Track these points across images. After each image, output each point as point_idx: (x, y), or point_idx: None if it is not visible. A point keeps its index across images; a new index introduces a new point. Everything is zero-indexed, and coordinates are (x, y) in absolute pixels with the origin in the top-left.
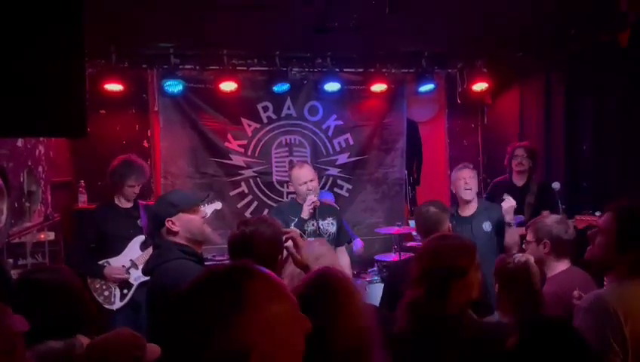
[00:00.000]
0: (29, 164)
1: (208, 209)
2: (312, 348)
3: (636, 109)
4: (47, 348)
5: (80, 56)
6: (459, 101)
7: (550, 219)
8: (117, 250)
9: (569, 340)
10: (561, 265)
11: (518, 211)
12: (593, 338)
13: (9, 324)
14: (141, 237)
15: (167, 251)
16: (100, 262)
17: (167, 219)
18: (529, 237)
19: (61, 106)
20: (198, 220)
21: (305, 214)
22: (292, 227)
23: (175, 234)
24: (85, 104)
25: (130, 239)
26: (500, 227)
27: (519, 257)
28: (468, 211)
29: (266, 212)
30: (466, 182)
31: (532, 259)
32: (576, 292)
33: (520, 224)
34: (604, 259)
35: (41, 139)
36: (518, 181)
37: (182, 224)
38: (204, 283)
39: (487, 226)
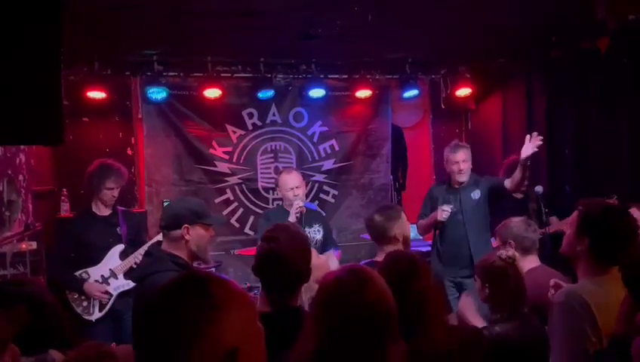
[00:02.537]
0: (9, 172)
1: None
2: None
3: (616, 114)
4: None
5: (56, 65)
6: (443, 106)
7: (512, 222)
8: (96, 260)
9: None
10: (529, 263)
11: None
12: (569, 331)
13: None
14: (120, 246)
15: (159, 261)
16: (79, 272)
17: (186, 225)
18: (495, 244)
19: (38, 114)
20: (208, 238)
21: (292, 218)
22: None
23: (185, 241)
24: (62, 112)
25: (109, 248)
26: (488, 195)
27: (503, 253)
28: (467, 182)
29: (251, 219)
30: (460, 168)
31: (516, 254)
32: (552, 281)
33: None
34: (569, 250)
35: (22, 147)
36: (517, 194)
37: (194, 235)
38: (179, 286)
39: (475, 194)
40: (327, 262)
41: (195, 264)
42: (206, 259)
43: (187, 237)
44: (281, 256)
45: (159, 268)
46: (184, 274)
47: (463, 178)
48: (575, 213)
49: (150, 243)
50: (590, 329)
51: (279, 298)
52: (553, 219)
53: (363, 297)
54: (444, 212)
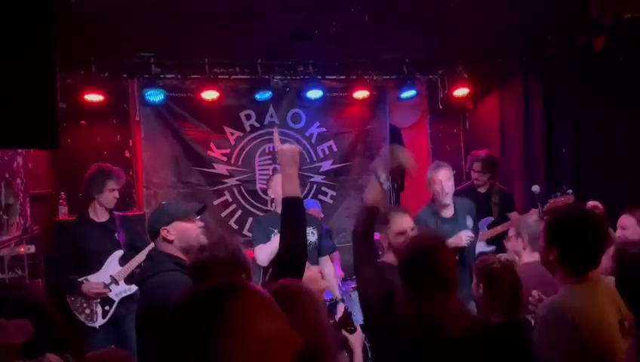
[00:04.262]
0: (7, 176)
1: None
2: None
3: (613, 112)
4: None
5: (51, 67)
6: (440, 106)
7: (531, 218)
8: (95, 267)
9: None
10: (533, 257)
11: (485, 213)
12: (553, 343)
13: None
14: (120, 252)
15: (159, 263)
16: (80, 280)
17: (163, 227)
18: (511, 232)
19: (33, 117)
20: (195, 229)
21: None
22: (272, 238)
23: (170, 243)
24: (57, 115)
25: (108, 254)
26: (475, 218)
27: (505, 256)
28: (449, 211)
29: (250, 220)
30: (442, 187)
31: (517, 260)
32: (535, 293)
33: (491, 224)
34: (542, 260)
35: (20, 150)
36: (481, 188)
37: (177, 233)
38: (189, 303)
39: (469, 222)
40: (318, 274)
41: None
42: None
43: (170, 237)
44: (201, 265)
45: (160, 268)
46: (203, 285)
47: (448, 200)
48: (543, 223)
49: (150, 246)
50: (570, 341)
51: None
52: (513, 214)
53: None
54: (466, 238)
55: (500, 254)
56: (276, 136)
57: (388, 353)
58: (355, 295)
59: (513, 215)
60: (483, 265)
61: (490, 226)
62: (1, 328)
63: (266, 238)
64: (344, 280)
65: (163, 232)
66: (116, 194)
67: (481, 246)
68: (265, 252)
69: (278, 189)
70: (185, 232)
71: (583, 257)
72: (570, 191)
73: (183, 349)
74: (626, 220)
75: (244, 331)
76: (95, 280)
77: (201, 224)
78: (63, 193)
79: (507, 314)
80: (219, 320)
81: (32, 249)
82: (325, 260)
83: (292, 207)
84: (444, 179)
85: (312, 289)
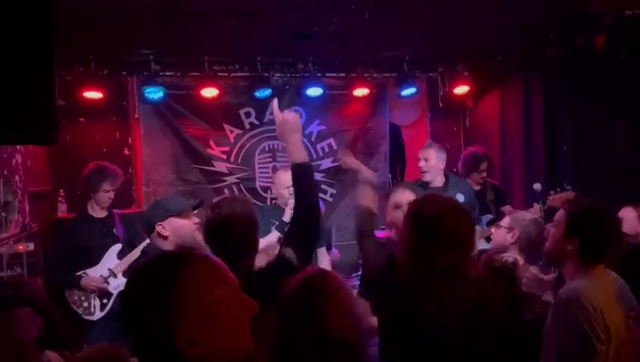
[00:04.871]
0: (5, 173)
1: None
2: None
3: (613, 110)
4: None
5: (49, 62)
6: (441, 104)
7: (528, 217)
8: (94, 261)
9: None
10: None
11: (482, 211)
12: (578, 331)
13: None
14: (118, 246)
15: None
16: (78, 274)
17: (158, 223)
18: (504, 222)
19: (30, 113)
20: (190, 226)
21: (287, 218)
22: (273, 230)
23: (165, 238)
24: (56, 111)
25: (106, 249)
26: (470, 201)
27: (507, 257)
28: (438, 183)
29: None
30: (420, 165)
31: (520, 262)
32: (533, 268)
33: (490, 222)
34: (556, 249)
35: (18, 148)
36: (474, 186)
37: (172, 229)
38: (142, 272)
39: (460, 198)
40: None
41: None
42: (201, 247)
43: (165, 233)
44: (224, 222)
45: None
46: (158, 255)
47: (426, 177)
48: (561, 213)
49: (145, 243)
50: (598, 327)
51: (231, 263)
52: (507, 208)
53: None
54: None
55: (504, 254)
56: (275, 106)
57: (392, 332)
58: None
59: (507, 208)
60: (486, 261)
61: (490, 224)
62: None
63: (265, 229)
64: (344, 277)
65: (158, 228)
66: (111, 195)
67: (480, 245)
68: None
69: (280, 187)
70: (180, 228)
71: (603, 250)
72: (569, 187)
73: (138, 316)
74: (626, 212)
75: (194, 297)
76: (93, 274)
77: (197, 220)
78: (62, 191)
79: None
80: (170, 287)
81: (31, 246)
82: (322, 252)
83: (301, 172)
84: (422, 157)
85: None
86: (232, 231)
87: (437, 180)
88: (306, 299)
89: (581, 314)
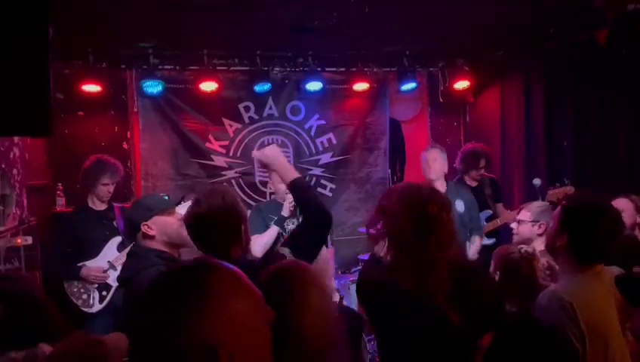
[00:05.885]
0: (3, 166)
1: (183, 208)
2: (277, 346)
3: (614, 106)
4: (8, 359)
5: (44, 54)
6: (441, 99)
7: (539, 204)
8: (94, 253)
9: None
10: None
11: (481, 206)
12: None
13: None
14: (118, 238)
15: (143, 258)
16: (78, 265)
17: (143, 223)
18: (524, 217)
19: (25, 105)
20: (175, 222)
21: (286, 212)
22: (272, 225)
23: (152, 238)
24: (50, 103)
25: (106, 241)
26: (470, 207)
27: (526, 248)
28: (439, 187)
29: (248, 213)
30: (429, 165)
31: (537, 252)
32: (544, 260)
33: (489, 218)
34: (549, 244)
35: (16, 141)
36: (471, 182)
37: (158, 227)
38: (167, 281)
39: (460, 206)
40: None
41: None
42: (188, 243)
43: (151, 232)
44: (205, 218)
45: (144, 264)
46: (185, 262)
47: (432, 175)
48: (559, 208)
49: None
50: (570, 330)
51: (220, 256)
52: (499, 206)
53: None
54: None
55: (521, 245)
56: (255, 152)
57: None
58: (352, 288)
59: (500, 207)
60: (502, 253)
61: (489, 219)
62: None
63: (264, 227)
64: (342, 273)
65: (144, 228)
66: (110, 188)
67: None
68: (259, 243)
69: (277, 182)
70: (166, 226)
71: (593, 248)
72: (568, 181)
73: (161, 326)
74: (623, 204)
75: (221, 307)
76: (93, 266)
77: (180, 216)
78: (60, 184)
79: (520, 302)
80: (197, 297)
81: (29, 240)
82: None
83: (298, 188)
84: (430, 158)
85: (320, 272)
86: (213, 225)
87: (438, 184)
88: (270, 290)
89: (554, 315)
